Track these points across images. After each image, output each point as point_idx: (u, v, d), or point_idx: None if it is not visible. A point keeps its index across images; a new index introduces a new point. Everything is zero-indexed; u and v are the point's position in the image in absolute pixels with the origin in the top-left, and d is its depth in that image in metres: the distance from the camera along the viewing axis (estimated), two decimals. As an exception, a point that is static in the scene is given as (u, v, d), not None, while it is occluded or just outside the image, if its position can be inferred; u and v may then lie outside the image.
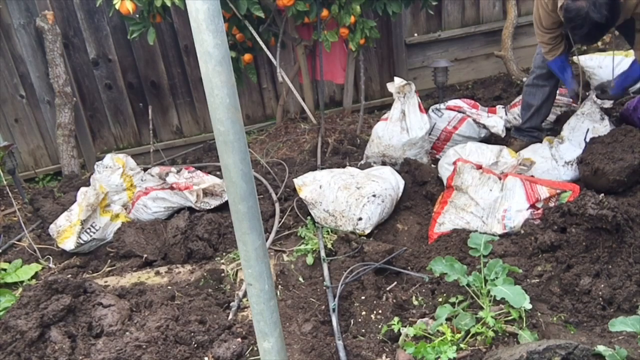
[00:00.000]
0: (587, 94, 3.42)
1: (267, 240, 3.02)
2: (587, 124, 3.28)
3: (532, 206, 2.78)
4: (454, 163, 3.09)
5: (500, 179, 2.92)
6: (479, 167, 3.00)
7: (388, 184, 3.15)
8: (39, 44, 4.33)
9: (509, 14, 4.98)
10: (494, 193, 2.86)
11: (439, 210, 3.03)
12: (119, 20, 4.34)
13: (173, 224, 3.17)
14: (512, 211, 2.79)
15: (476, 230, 2.81)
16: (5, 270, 3.12)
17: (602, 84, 3.23)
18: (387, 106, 4.56)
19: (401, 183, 3.29)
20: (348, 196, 3.03)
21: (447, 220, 2.94)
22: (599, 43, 5.32)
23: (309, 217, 3.22)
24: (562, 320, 2.18)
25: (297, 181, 3.27)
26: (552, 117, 3.72)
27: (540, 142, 3.57)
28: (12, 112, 4.50)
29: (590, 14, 2.59)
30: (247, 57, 4.32)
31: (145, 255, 3.11)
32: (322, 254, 2.85)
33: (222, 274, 2.89)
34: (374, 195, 3.01)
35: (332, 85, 5.01)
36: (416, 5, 4.56)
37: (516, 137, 3.72)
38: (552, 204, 2.79)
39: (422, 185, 3.40)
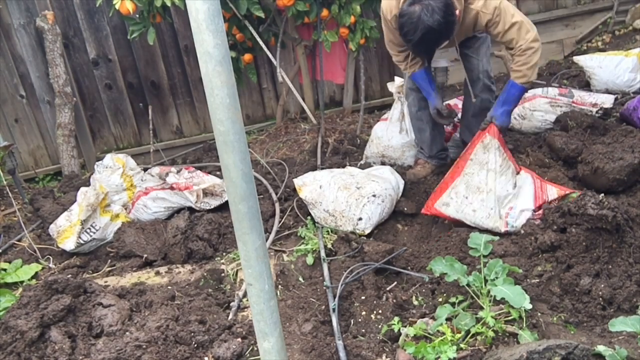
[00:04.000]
0: (452, 116, 3.27)
1: (267, 240, 3.02)
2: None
3: (539, 207, 2.77)
4: (480, 134, 2.95)
5: (517, 172, 2.90)
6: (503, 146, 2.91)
7: (388, 184, 3.15)
8: (39, 44, 4.33)
9: (509, 14, 4.97)
10: (509, 187, 2.83)
11: (448, 180, 2.95)
12: (119, 20, 4.35)
13: (173, 224, 3.17)
14: (517, 210, 2.78)
15: (476, 229, 2.79)
16: (5, 270, 3.12)
17: (486, 119, 2.98)
18: (387, 106, 4.57)
19: (401, 183, 3.29)
20: (348, 196, 3.03)
21: (452, 202, 2.87)
22: (599, 43, 5.33)
23: (309, 217, 3.22)
24: (562, 320, 2.18)
25: (297, 181, 3.27)
26: (551, 117, 3.72)
27: (447, 162, 3.48)
28: (12, 112, 4.50)
29: (422, 17, 2.54)
30: (247, 57, 4.33)
31: (145, 255, 3.11)
32: (322, 254, 2.85)
33: (222, 274, 2.89)
34: (374, 195, 3.01)
35: (332, 85, 5.01)
36: (416, 5, 4.56)
37: (428, 161, 3.51)
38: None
39: (423, 185, 3.40)
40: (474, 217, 2.83)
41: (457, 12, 2.70)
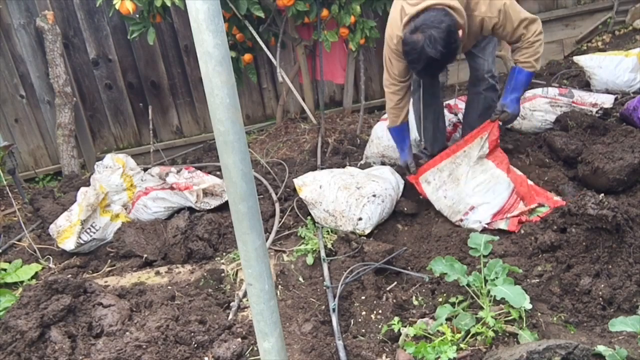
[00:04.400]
0: (413, 164, 3.22)
1: (267, 240, 3.02)
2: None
3: (497, 215, 2.86)
4: (486, 125, 2.97)
5: (506, 175, 2.94)
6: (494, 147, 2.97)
7: (388, 183, 3.15)
8: (39, 44, 4.33)
9: (509, 14, 4.97)
10: (479, 190, 2.91)
11: (442, 156, 3.06)
12: (119, 20, 4.35)
13: (173, 224, 3.17)
14: (475, 214, 2.87)
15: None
16: (5, 270, 3.12)
17: (495, 111, 2.98)
18: (387, 106, 4.56)
19: (401, 183, 3.29)
20: (348, 196, 3.03)
21: (433, 183, 3.03)
22: (599, 43, 5.33)
23: (309, 217, 3.22)
24: (562, 320, 2.18)
25: (297, 181, 3.27)
26: (551, 117, 3.72)
27: None
28: (12, 112, 4.50)
29: (425, 48, 2.53)
30: (247, 57, 4.33)
31: (145, 255, 3.11)
32: (322, 254, 2.84)
33: (222, 274, 2.89)
34: (374, 195, 3.01)
35: (332, 85, 5.01)
36: (416, 5, 4.56)
37: (427, 159, 3.42)
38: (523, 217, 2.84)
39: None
40: (440, 204, 2.98)
41: (461, 32, 2.65)
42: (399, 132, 3.17)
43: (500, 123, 2.99)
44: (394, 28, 2.79)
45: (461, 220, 2.92)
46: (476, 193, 2.92)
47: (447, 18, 2.55)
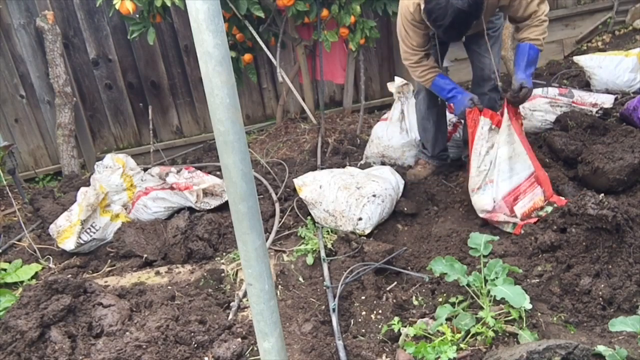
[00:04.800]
0: (477, 98, 3.05)
1: (267, 240, 3.02)
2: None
3: (509, 195, 2.81)
4: (510, 110, 2.90)
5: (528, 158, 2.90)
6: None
7: (388, 184, 3.15)
8: (39, 44, 4.33)
9: (509, 14, 4.97)
10: (502, 162, 2.86)
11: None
12: (119, 20, 4.34)
13: (173, 224, 3.17)
14: (490, 189, 2.82)
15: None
16: (5, 270, 3.12)
17: (513, 89, 2.89)
18: (387, 106, 4.57)
19: (401, 183, 3.29)
20: (348, 196, 3.03)
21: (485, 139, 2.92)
22: (599, 43, 5.33)
23: (309, 217, 3.22)
24: (562, 320, 2.18)
25: (297, 181, 3.27)
26: (551, 117, 3.72)
27: (447, 162, 3.57)
28: (12, 112, 4.50)
29: (451, 0, 2.52)
30: (247, 57, 4.33)
31: (145, 255, 3.11)
32: (322, 254, 2.85)
33: (222, 274, 2.89)
34: (374, 195, 3.01)
35: (332, 85, 5.01)
36: (416, 5, 4.56)
37: (429, 161, 3.54)
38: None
39: (423, 185, 3.40)
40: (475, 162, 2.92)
41: None
42: (442, 81, 3.06)
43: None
44: (410, 2, 2.79)
45: (477, 189, 2.86)
46: (497, 166, 2.84)
47: None
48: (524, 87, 2.85)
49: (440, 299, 2.36)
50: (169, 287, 2.82)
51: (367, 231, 2.98)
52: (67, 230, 3.20)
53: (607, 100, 3.71)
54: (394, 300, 2.45)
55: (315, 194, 3.13)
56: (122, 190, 3.45)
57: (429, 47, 3.02)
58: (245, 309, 2.60)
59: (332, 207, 3.06)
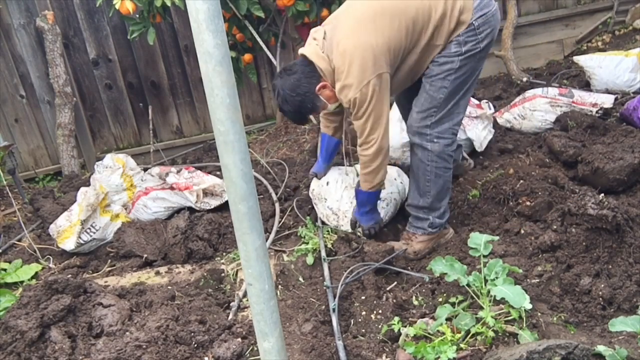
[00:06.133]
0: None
1: (267, 240, 3.02)
2: None
3: None
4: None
5: None
6: None
7: (394, 187, 3.14)
8: (39, 44, 4.33)
9: (509, 14, 4.98)
10: None
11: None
12: (119, 20, 4.35)
13: (173, 224, 3.17)
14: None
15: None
16: (5, 270, 3.12)
17: (352, 222, 2.93)
18: (387, 106, 4.56)
19: (407, 185, 3.27)
20: (353, 197, 3.03)
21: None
22: (599, 43, 5.33)
23: (308, 217, 3.22)
24: (562, 320, 2.18)
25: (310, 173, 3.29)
26: (551, 117, 3.71)
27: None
28: (12, 112, 4.50)
29: (276, 95, 2.63)
30: (247, 57, 4.33)
31: (145, 255, 3.11)
32: (323, 253, 2.84)
33: (222, 274, 2.89)
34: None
35: (332, 85, 5.00)
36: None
37: (432, 232, 2.80)
38: None
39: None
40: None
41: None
42: (323, 138, 3.11)
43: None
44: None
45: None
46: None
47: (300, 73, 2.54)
48: (360, 225, 2.90)
49: (440, 299, 2.36)
50: (169, 287, 2.82)
51: (367, 233, 2.98)
52: (67, 230, 3.20)
53: (607, 100, 3.70)
54: (394, 300, 2.45)
55: (322, 189, 3.13)
56: (122, 190, 3.45)
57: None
58: (245, 309, 2.60)
59: (336, 205, 3.05)
